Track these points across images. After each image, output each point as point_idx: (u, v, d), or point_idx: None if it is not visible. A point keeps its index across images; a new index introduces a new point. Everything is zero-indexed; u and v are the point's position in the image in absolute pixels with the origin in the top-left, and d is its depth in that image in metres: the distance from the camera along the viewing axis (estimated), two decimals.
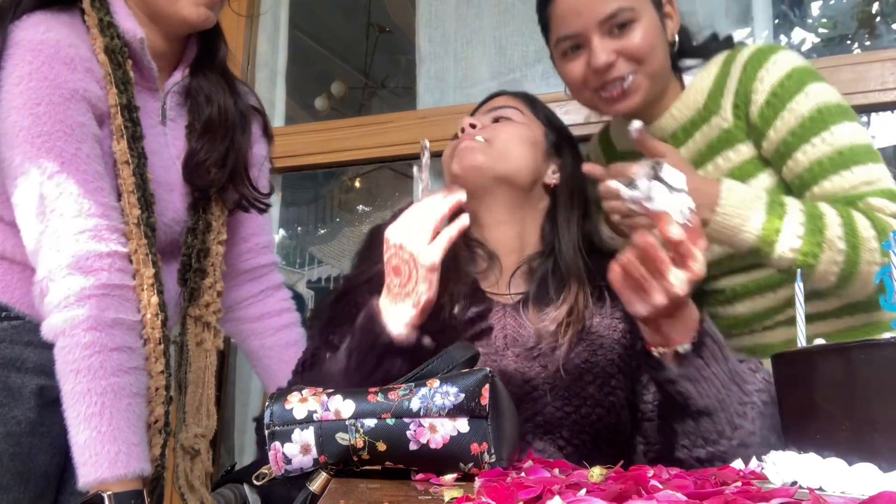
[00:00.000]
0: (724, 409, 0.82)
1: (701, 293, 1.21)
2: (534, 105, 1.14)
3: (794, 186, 1.08)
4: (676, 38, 1.15)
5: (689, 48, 1.20)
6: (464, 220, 0.87)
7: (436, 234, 0.85)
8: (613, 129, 1.33)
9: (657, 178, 0.80)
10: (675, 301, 0.78)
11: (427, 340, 0.87)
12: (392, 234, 0.86)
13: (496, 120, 1.10)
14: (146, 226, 1.00)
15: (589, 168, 1.05)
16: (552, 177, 1.10)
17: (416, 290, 0.84)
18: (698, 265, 0.77)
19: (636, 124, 0.98)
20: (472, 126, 1.06)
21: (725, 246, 1.03)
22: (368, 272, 1.00)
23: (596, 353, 0.96)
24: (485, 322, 0.99)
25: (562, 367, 0.92)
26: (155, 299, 0.98)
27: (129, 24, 1.04)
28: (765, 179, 1.12)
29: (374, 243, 1.06)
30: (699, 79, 1.17)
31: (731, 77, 1.13)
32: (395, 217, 0.91)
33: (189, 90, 1.15)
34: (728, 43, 1.22)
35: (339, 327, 0.97)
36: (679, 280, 0.77)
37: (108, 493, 0.87)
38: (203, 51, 1.16)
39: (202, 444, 1.12)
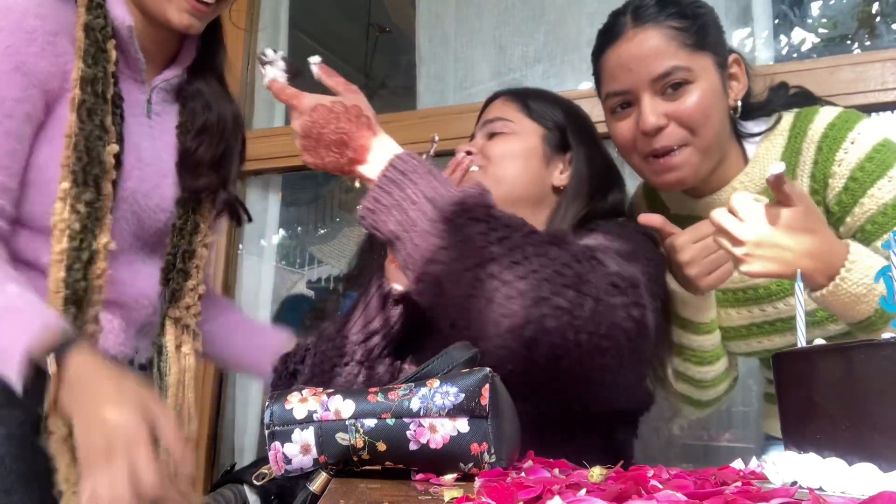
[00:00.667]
0: (409, 232, 0.82)
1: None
2: (528, 106, 1.10)
3: None
4: (740, 104, 1.07)
5: (750, 106, 1.10)
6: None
7: None
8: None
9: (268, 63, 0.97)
10: (304, 133, 0.89)
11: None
12: None
13: (491, 135, 1.09)
14: (73, 199, 0.98)
15: (646, 219, 1.01)
16: (560, 177, 1.08)
17: None
18: (298, 101, 0.90)
19: (779, 167, 0.84)
20: (469, 153, 1.06)
21: (832, 312, 0.92)
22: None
23: None
24: None
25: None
26: (62, 273, 0.97)
27: (119, 11, 1.05)
28: None
29: (373, 244, 1.08)
30: (764, 151, 1.08)
31: (805, 156, 1.04)
32: None
33: (182, 91, 1.15)
34: (784, 89, 1.14)
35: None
36: (296, 124, 0.90)
37: (48, 356, 0.84)
38: (203, 55, 1.16)
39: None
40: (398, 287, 0.97)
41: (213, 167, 1.14)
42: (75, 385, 0.83)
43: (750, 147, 1.10)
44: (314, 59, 0.98)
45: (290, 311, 2.50)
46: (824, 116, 1.04)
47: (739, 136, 1.10)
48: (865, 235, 0.99)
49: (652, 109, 1.01)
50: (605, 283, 0.80)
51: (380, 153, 0.89)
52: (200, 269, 1.17)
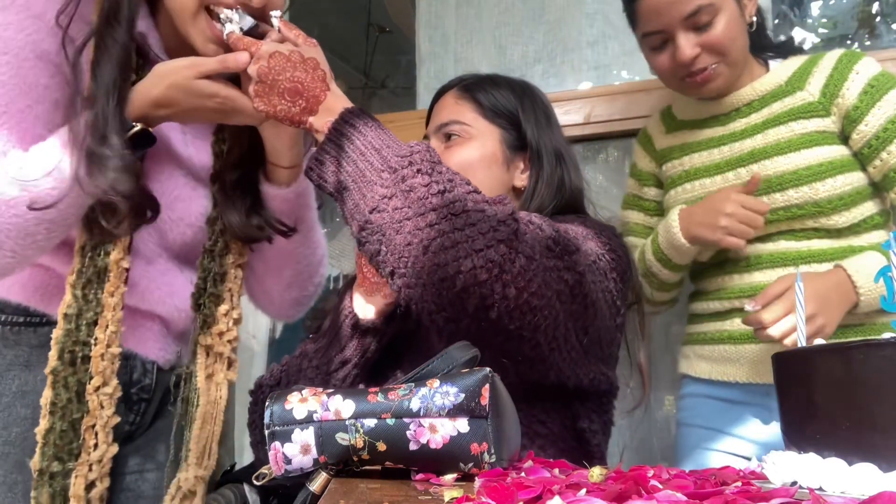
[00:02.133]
0: (356, 182, 0.83)
1: (724, 260, 1.32)
2: (481, 104, 1.09)
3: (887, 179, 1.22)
4: (755, 19, 1.27)
5: (768, 43, 1.34)
6: None
7: None
8: (675, 102, 1.44)
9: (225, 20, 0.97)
10: (259, 79, 0.90)
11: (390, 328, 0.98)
12: None
13: (448, 137, 1.08)
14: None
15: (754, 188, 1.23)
16: (521, 177, 1.08)
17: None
18: (256, 47, 0.92)
19: (749, 306, 1.14)
20: None
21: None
22: None
23: None
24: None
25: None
26: (68, 296, 0.95)
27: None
28: (829, 151, 1.21)
29: None
30: (783, 66, 1.30)
31: (822, 67, 1.25)
32: None
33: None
34: (798, 51, 1.36)
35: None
36: (252, 69, 0.91)
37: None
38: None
39: (200, 487, 1.06)
40: (367, 314, 0.96)
41: (248, 183, 1.07)
42: (156, 104, 0.94)
43: (773, 63, 1.33)
44: (275, 13, 1.00)
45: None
46: (837, 51, 1.27)
47: (762, 53, 1.32)
48: (886, 133, 1.18)
49: (687, 43, 1.20)
50: (541, 245, 0.82)
51: (331, 105, 0.90)
52: (235, 292, 1.10)
